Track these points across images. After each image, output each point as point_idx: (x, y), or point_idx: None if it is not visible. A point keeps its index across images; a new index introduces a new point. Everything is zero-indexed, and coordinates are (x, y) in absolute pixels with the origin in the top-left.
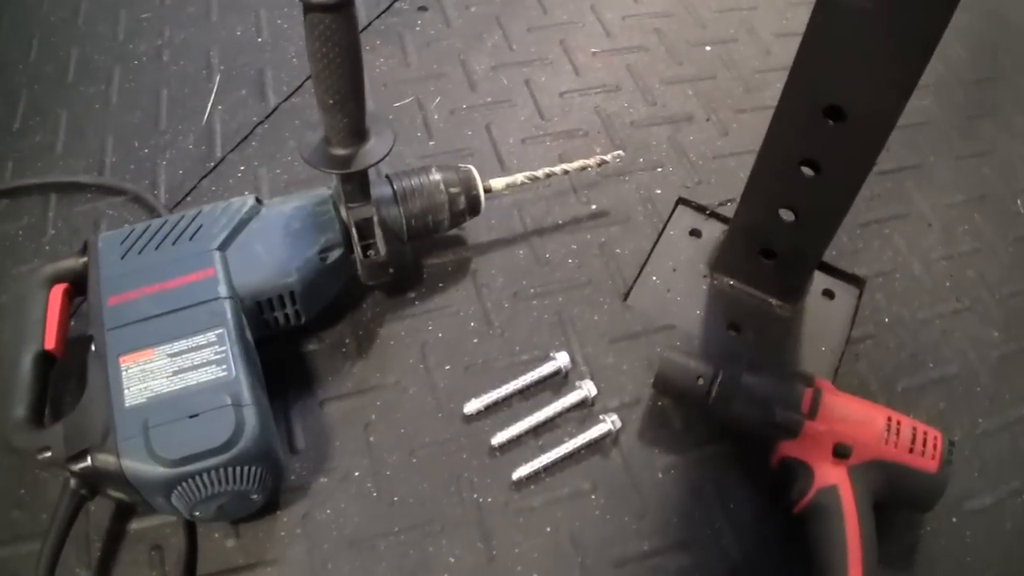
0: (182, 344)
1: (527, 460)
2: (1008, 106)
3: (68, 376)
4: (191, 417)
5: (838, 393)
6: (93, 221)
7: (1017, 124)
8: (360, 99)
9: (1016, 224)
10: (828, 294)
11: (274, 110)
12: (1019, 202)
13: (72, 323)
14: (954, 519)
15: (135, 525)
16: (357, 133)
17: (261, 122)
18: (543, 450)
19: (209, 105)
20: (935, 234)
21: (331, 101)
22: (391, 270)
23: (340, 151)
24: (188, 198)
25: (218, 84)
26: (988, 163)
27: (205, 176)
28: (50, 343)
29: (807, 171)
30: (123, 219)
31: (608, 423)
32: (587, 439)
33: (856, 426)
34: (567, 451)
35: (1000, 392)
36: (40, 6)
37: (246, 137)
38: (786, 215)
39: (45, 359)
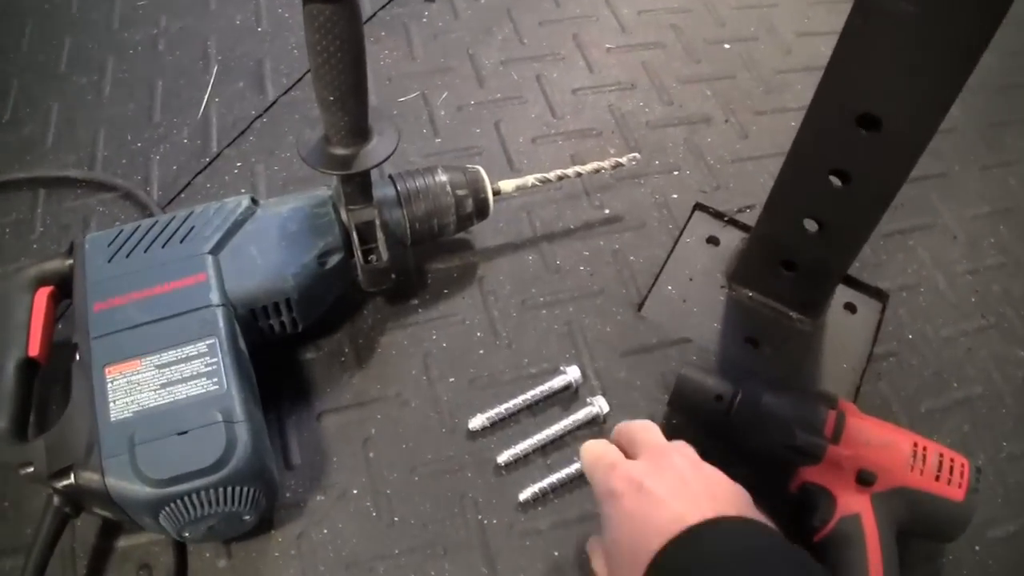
0: (171, 355)
1: (534, 480)
2: None
3: (55, 382)
4: (180, 434)
5: (862, 416)
6: (83, 218)
7: None
8: (362, 96)
9: None
10: (850, 308)
11: (273, 103)
12: None
13: (59, 326)
14: (977, 547)
15: (122, 542)
16: (359, 132)
17: (259, 116)
18: (551, 469)
19: (205, 97)
20: (960, 247)
21: (331, 98)
22: (393, 276)
23: (340, 151)
24: (182, 195)
25: (215, 75)
26: (1014, 173)
27: (200, 172)
28: (34, 350)
29: (835, 181)
30: (114, 216)
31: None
32: None
33: (881, 451)
34: (577, 471)
35: None
36: None
37: (243, 131)
38: (810, 226)
39: (29, 366)
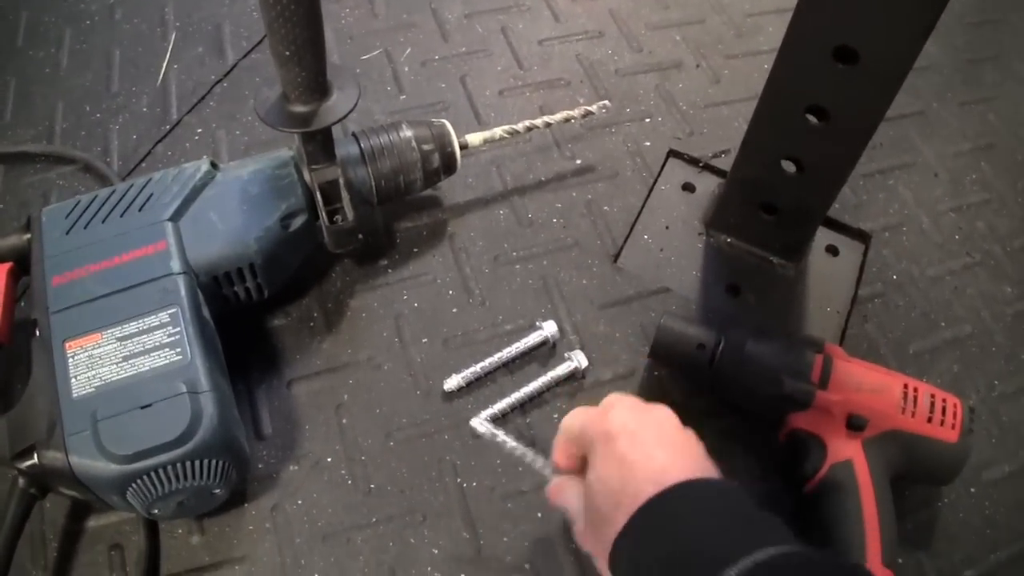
0: (132, 326)
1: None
2: (1011, 50)
3: (18, 362)
4: (143, 407)
5: (850, 359)
6: (43, 193)
7: (1020, 69)
8: (319, 49)
9: None
10: (832, 251)
11: (233, 68)
12: None
13: (22, 304)
14: (972, 490)
15: (93, 523)
16: (317, 88)
17: (219, 81)
18: (532, 428)
19: (164, 64)
20: (942, 185)
21: (287, 53)
22: (360, 236)
23: (299, 108)
24: (143, 164)
25: (173, 42)
26: (993, 109)
27: (160, 140)
28: None
29: (812, 119)
30: (74, 189)
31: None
32: None
33: (871, 395)
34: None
35: (1016, 352)
36: None
37: (203, 97)
38: (788, 167)
39: None
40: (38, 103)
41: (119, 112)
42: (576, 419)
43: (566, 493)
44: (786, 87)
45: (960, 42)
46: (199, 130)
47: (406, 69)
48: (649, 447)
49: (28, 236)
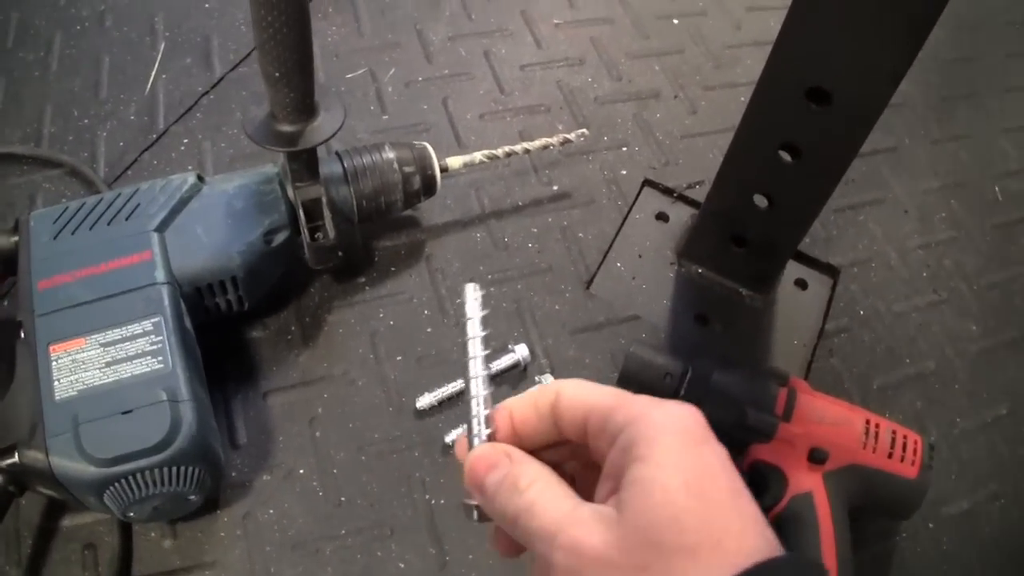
0: (116, 333)
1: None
2: (984, 88)
3: (1, 361)
4: (124, 413)
5: (814, 393)
6: (29, 195)
7: (993, 107)
8: (308, 72)
9: (994, 211)
10: (800, 284)
11: (220, 80)
12: (997, 188)
13: (5, 303)
14: (931, 525)
15: (67, 522)
16: (305, 108)
17: (206, 92)
18: None
19: (152, 73)
20: (911, 222)
21: (277, 74)
22: (340, 253)
23: (286, 127)
24: (128, 172)
25: (162, 51)
26: (965, 147)
27: (147, 149)
28: None
29: (785, 156)
30: (60, 193)
31: None
32: None
33: (833, 429)
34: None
35: (978, 390)
36: None
37: (190, 108)
38: (760, 201)
39: None
40: (27, 105)
41: (107, 118)
42: (599, 393)
43: (512, 476)
44: (760, 125)
45: (935, 79)
46: (185, 140)
47: (390, 89)
48: (725, 505)
49: (16, 239)
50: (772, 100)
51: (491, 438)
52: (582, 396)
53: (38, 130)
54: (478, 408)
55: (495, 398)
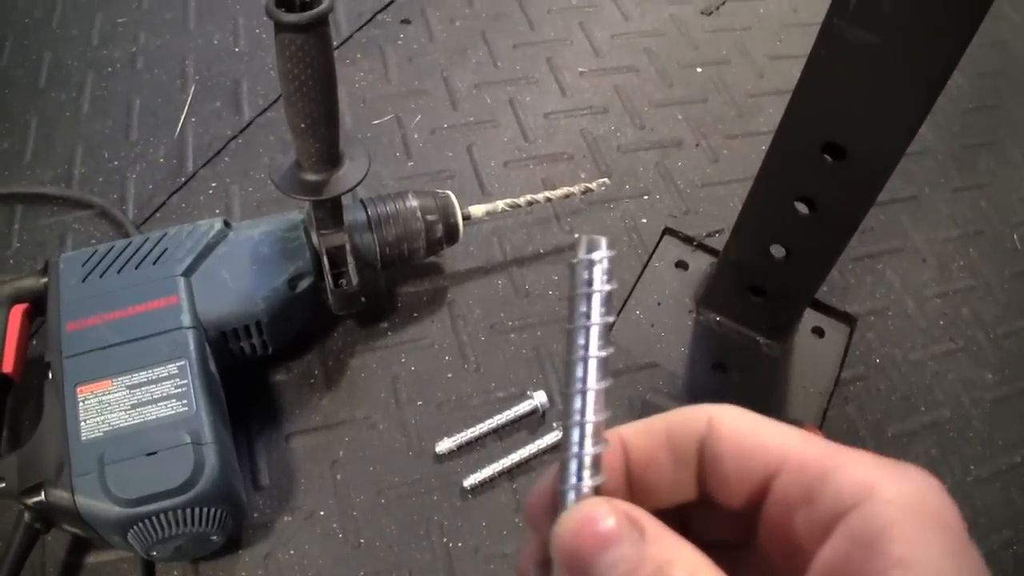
0: (142, 376)
1: (500, 503)
2: (1006, 136)
3: (28, 398)
4: (149, 455)
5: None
6: (59, 235)
7: (1015, 156)
8: (333, 123)
9: (1013, 260)
10: (818, 332)
11: (249, 124)
12: (1016, 237)
13: (34, 342)
14: None
15: (91, 559)
16: (330, 158)
17: (235, 136)
18: (517, 494)
19: (182, 117)
20: (930, 270)
21: (303, 125)
22: (363, 299)
23: (312, 176)
24: (157, 214)
25: (192, 95)
26: (985, 196)
27: (175, 192)
28: (8, 367)
29: (802, 208)
30: (90, 234)
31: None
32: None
33: None
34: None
35: (993, 438)
36: (15, 6)
37: (219, 152)
38: (777, 252)
39: (2, 383)
40: (58, 146)
41: (136, 161)
42: (781, 435)
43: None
44: (776, 177)
45: (957, 127)
46: (213, 184)
47: (415, 136)
48: None
49: (45, 280)
50: (788, 154)
51: (598, 491)
52: (757, 435)
53: (69, 171)
54: (582, 440)
55: (515, 443)
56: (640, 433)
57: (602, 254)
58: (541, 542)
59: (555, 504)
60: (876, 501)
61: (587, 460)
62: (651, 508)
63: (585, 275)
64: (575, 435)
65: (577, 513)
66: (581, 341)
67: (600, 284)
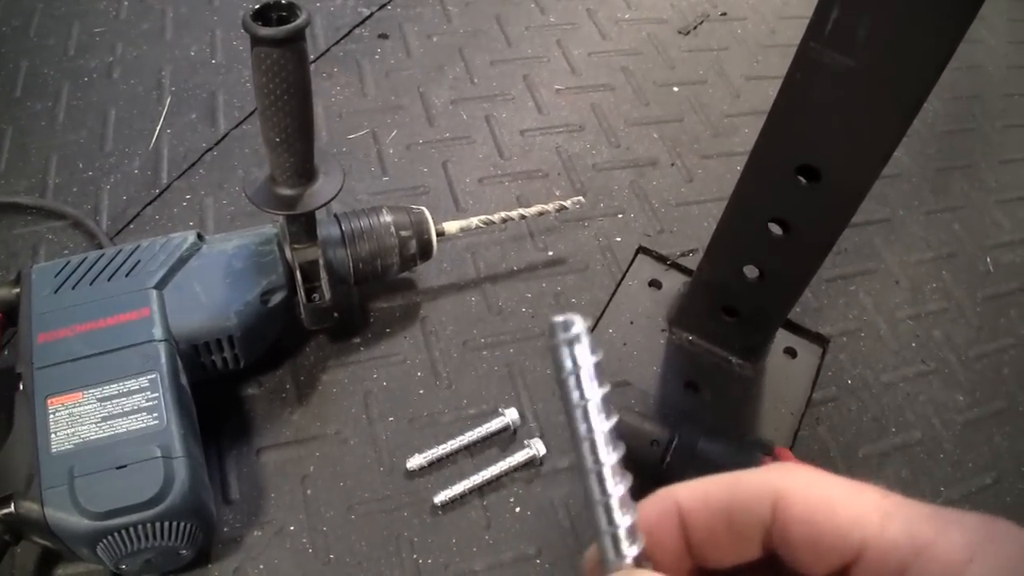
0: (113, 388)
1: (471, 520)
2: (981, 160)
3: None
4: (119, 468)
5: (798, 463)
6: (32, 245)
7: (989, 179)
8: (308, 138)
9: (985, 283)
10: (790, 352)
11: (224, 137)
12: (988, 260)
13: (5, 353)
14: None
15: (61, 571)
16: (304, 173)
17: (210, 149)
18: (488, 511)
19: (157, 128)
20: (902, 292)
21: (277, 139)
22: (336, 315)
23: (286, 191)
24: (131, 226)
25: (168, 106)
26: (959, 219)
27: (149, 203)
28: None
29: (775, 229)
30: (63, 244)
31: (556, 485)
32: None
33: None
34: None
35: (963, 459)
36: None
37: (194, 164)
38: (751, 272)
39: None
40: (32, 155)
41: (111, 172)
42: (857, 505)
43: None
44: (751, 198)
45: (932, 150)
46: (188, 196)
47: (391, 151)
48: None
49: (17, 290)
50: (763, 175)
51: (640, 561)
52: (831, 519)
53: (43, 180)
54: (614, 514)
55: (486, 460)
56: (697, 503)
57: (578, 329)
58: None
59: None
60: (977, 569)
61: (623, 532)
62: (714, 566)
63: (568, 358)
64: (602, 515)
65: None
66: (583, 420)
67: (585, 359)
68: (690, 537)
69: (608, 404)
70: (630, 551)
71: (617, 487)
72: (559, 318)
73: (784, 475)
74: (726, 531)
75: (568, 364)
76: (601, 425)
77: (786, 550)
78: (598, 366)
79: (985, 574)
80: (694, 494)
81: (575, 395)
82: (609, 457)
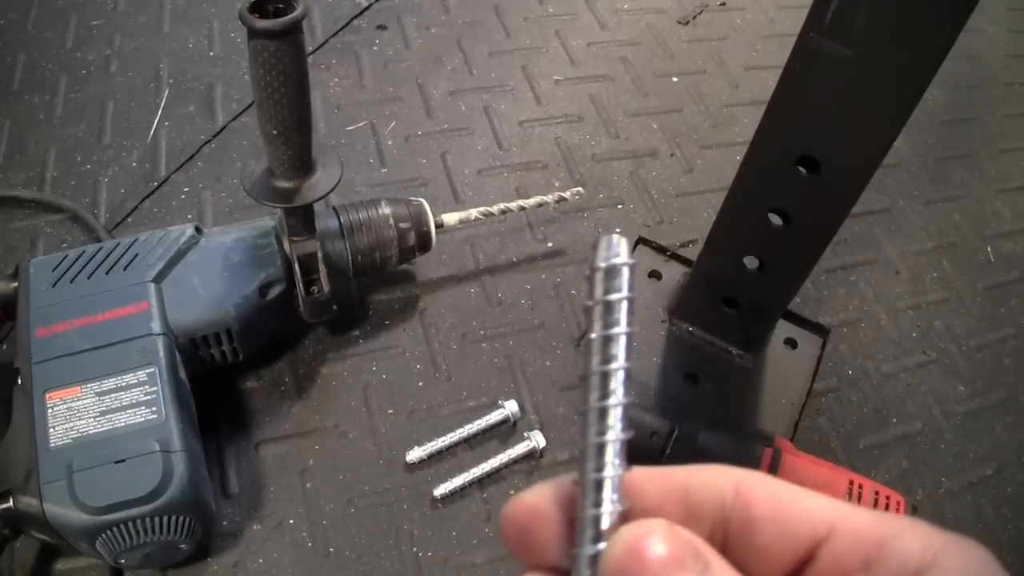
0: (111, 382)
1: (471, 513)
2: (980, 149)
3: None
4: (117, 462)
5: (798, 454)
6: (30, 239)
7: (989, 168)
8: (306, 130)
9: (986, 273)
10: (790, 343)
11: (222, 129)
12: (989, 250)
13: (3, 347)
14: None
15: (60, 566)
16: (302, 165)
17: (208, 141)
18: (488, 503)
19: (155, 121)
20: (903, 282)
21: (275, 132)
22: (334, 307)
23: (284, 184)
24: (129, 219)
25: (166, 99)
26: (959, 208)
27: (147, 196)
28: None
29: (775, 220)
30: (61, 238)
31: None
32: None
33: (816, 490)
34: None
35: (964, 450)
36: None
37: (192, 156)
38: (751, 263)
39: None
40: (31, 148)
41: (109, 164)
42: (820, 505)
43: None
44: (750, 189)
45: (931, 140)
46: (186, 189)
47: (389, 143)
48: None
49: (15, 284)
50: (762, 166)
51: (624, 517)
52: (798, 501)
53: (41, 174)
54: (604, 460)
55: (486, 452)
56: (652, 479)
57: (626, 257)
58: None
59: (572, 529)
60: (940, 570)
61: (616, 481)
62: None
63: (601, 281)
64: (596, 456)
65: (630, 536)
66: (601, 354)
67: (620, 287)
68: (631, 516)
69: (630, 348)
70: (621, 505)
71: (624, 432)
72: (605, 238)
73: (745, 471)
74: (677, 511)
75: (610, 287)
76: (624, 360)
77: (743, 539)
78: (631, 304)
79: (954, 567)
80: (650, 472)
81: (624, 322)
82: (623, 397)
